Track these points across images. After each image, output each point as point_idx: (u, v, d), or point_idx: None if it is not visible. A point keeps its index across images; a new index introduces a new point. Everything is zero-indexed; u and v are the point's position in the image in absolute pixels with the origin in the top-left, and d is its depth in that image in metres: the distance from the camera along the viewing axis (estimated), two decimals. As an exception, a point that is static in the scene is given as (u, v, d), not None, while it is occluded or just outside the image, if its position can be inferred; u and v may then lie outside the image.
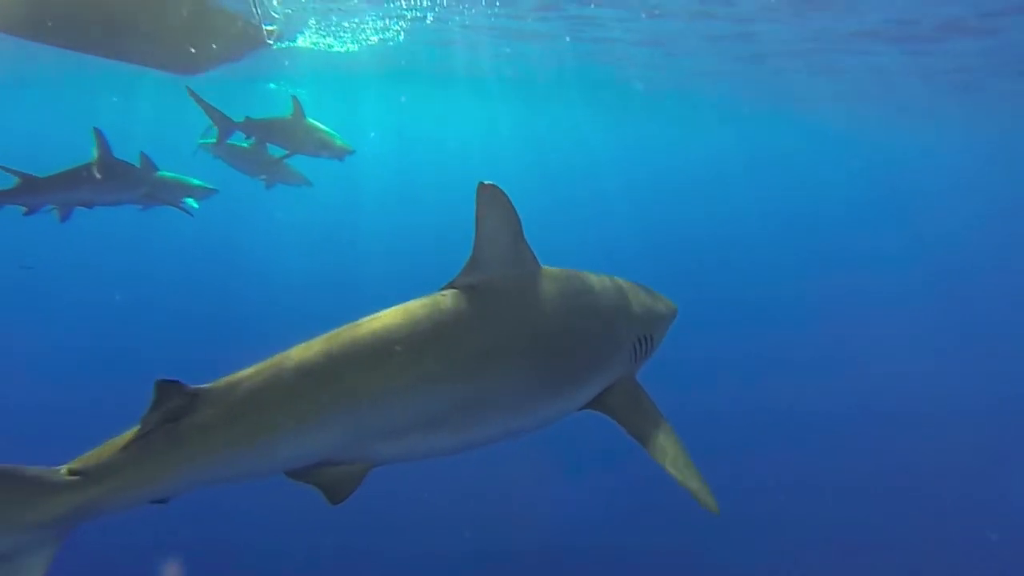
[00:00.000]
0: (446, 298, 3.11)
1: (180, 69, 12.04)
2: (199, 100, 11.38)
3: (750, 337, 17.76)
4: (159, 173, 10.50)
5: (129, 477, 2.37)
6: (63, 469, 2.34)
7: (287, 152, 12.04)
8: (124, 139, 12.77)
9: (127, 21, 9.39)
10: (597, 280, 3.73)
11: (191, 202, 10.89)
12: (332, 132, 12.13)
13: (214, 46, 11.52)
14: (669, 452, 3.18)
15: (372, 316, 2.96)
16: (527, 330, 3.20)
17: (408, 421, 2.80)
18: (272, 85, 32.17)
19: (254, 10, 12.67)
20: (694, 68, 21.82)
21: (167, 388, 2.41)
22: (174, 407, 2.42)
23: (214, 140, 12.11)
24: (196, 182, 11.05)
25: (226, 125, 11.59)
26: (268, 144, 12.31)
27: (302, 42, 20.70)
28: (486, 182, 3.11)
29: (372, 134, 42.80)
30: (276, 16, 15.15)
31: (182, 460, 2.43)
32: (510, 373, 3.09)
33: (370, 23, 17.88)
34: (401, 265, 20.98)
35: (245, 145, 12.57)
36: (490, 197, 3.14)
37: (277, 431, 2.55)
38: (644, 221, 37.90)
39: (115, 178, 9.54)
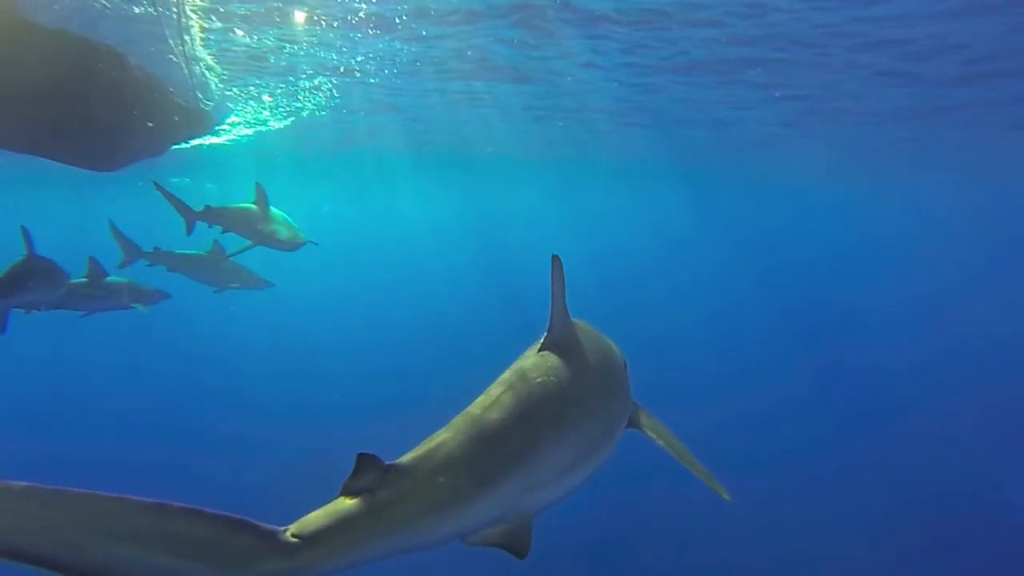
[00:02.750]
0: (550, 357, 3.60)
1: (99, 163, 9.56)
2: (164, 192, 11.61)
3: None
4: (108, 279, 10.63)
5: (335, 546, 2.52)
6: (288, 531, 2.48)
7: (247, 245, 11.60)
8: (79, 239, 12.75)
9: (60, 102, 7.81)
10: (593, 328, 4.37)
11: (140, 307, 11.09)
12: (291, 221, 11.76)
13: (155, 132, 10.11)
14: (684, 453, 4.04)
15: (502, 382, 3.37)
16: (598, 378, 3.82)
17: (554, 472, 3.22)
18: (175, 180, 30.94)
19: (194, 90, 12.27)
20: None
21: (366, 461, 2.66)
22: (371, 479, 2.66)
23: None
24: (146, 286, 11.31)
25: (190, 216, 11.64)
26: (229, 234, 11.95)
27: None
28: (556, 254, 3.60)
29: (326, 207, 42.43)
30: (209, 102, 15.19)
31: (382, 530, 2.63)
32: (598, 418, 3.67)
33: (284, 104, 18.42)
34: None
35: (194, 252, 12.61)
36: (559, 266, 3.61)
37: (465, 499, 2.82)
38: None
39: (48, 282, 9.19)
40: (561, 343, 3.70)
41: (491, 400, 3.19)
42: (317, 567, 2.46)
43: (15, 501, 1.95)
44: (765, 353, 25.10)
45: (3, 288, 8.58)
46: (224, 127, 20.41)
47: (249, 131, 21.67)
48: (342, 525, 2.54)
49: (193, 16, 10.50)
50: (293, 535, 2.45)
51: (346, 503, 2.62)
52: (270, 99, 17.24)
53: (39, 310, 9.68)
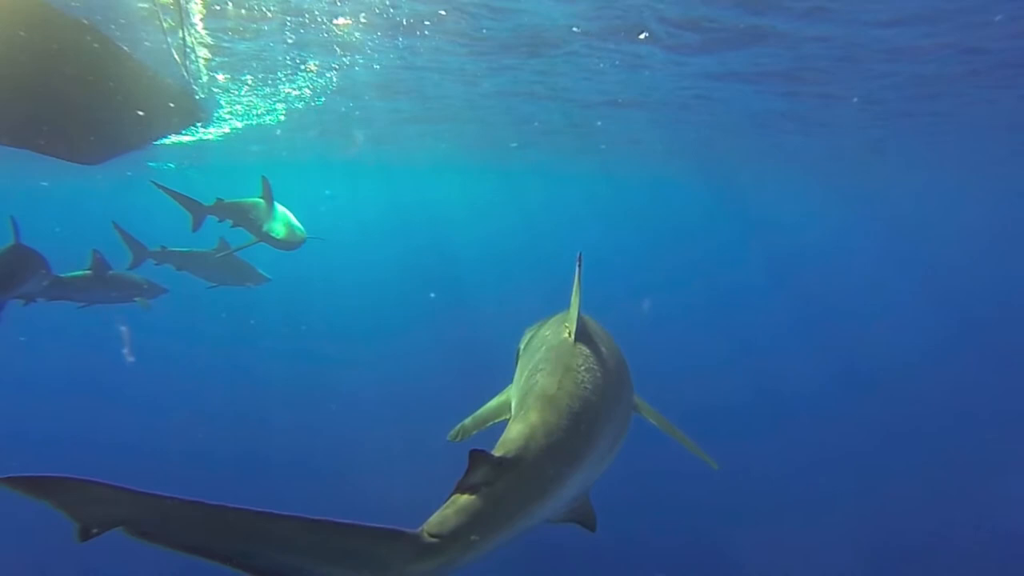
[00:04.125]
0: (582, 348, 3.80)
1: (88, 156, 9.19)
2: (166, 190, 11.42)
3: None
4: (111, 272, 10.58)
5: (470, 540, 2.71)
6: (425, 532, 2.66)
7: (250, 242, 11.29)
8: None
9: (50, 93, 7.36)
10: (593, 319, 4.56)
11: (140, 301, 11.11)
12: (293, 219, 11.29)
13: (145, 122, 9.80)
14: (674, 430, 4.36)
15: (551, 371, 3.57)
16: (620, 366, 4.05)
17: (604, 452, 3.47)
18: (152, 164, 30.46)
19: (187, 77, 11.83)
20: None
21: (478, 457, 2.83)
22: (485, 473, 2.84)
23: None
24: (144, 281, 11.34)
25: (198, 211, 11.42)
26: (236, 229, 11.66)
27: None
28: (579, 253, 3.84)
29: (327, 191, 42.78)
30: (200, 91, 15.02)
31: (506, 521, 2.82)
32: (624, 402, 3.90)
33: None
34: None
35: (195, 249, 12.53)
36: (580, 262, 3.84)
37: (566, 481, 3.08)
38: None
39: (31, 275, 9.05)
40: (584, 335, 3.91)
41: (556, 389, 3.38)
42: (458, 562, 2.67)
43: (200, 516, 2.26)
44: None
45: (6, 285, 8.39)
46: (215, 119, 20.27)
47: (239, 124, 21.51)
48: (473, 520, 2.72)
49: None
50: (431, 535, 2.64)
51: (468, 499, 2.79)
52: (259, 87, 17.03)
53: (35, 302, 9.65)
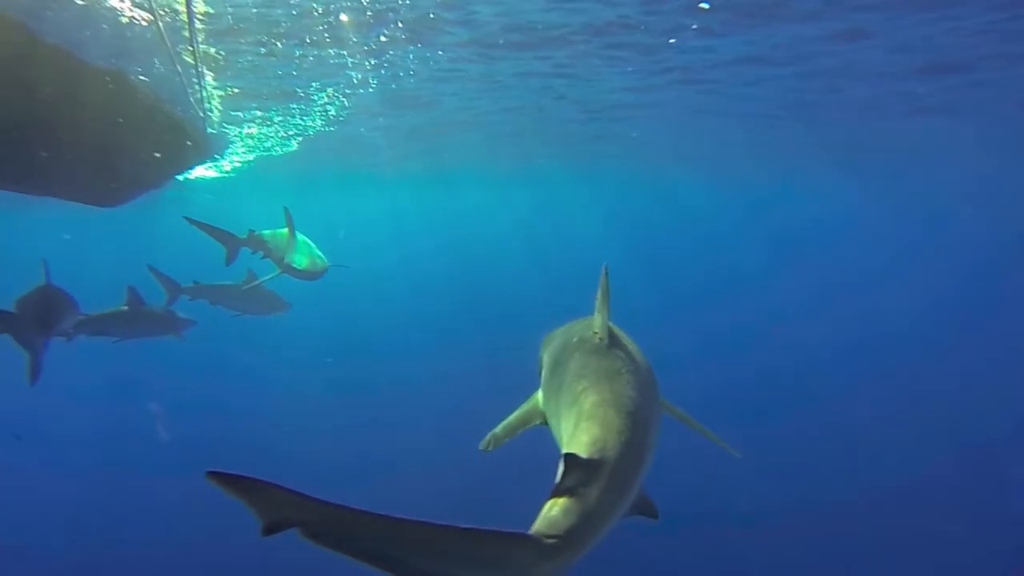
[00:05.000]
0: (618, 353, 3.94)
1: (103, 198, 9.16)
2: (199, 225, 11.65)
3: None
4: (145, 307, 11.04)
5: (581, 539, 2.91)
6: (542, 535, 2.83)
7: (275, 274, 11.42)
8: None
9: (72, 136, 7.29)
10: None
11: (173, 336, 11.60)
12: (315, 249, 11.39)
13: (162, 161, 10.06)
14: (694, 423, 4.46)
15: (598, 378, 3.73)
16: (649, 368, 4.14)
17: (654, 447, 3.63)
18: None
19: (201, 115, 12.02)
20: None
21: (573, 460, 3.06)
22: (580, 476, 3.04)
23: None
24: (179, 314, 11.68)
25: (232, 243, 11.68)
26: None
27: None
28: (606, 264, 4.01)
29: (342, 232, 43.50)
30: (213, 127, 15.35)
31: (603, 519, 3.03)
32: (656, 402, 3.97)
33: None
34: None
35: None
36: (606, 272, 4.03)
37: (639, 479, 3.35)
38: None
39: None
40: (613, 339, 4.04)
41: (609, 393, 3.58)
42: (573, 560, 2.88)
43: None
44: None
45: (45, 324, 8.49)
46: (227, 153, 20.62)
47: (251, 157, 21.87)
48: (580, 520, 2.91)
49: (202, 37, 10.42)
50: (547, 537, 2.81)
51: (569, 501, 2.97)
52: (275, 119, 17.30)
53: (75, 338, 10.07)
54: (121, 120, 7.98)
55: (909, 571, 12.23)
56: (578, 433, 3.40)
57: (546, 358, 4.73)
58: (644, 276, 38.95)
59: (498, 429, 4.58)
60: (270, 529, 2.44)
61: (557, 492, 3.02)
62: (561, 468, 3.10)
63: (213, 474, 2.34)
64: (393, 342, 28.00)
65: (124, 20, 8.48)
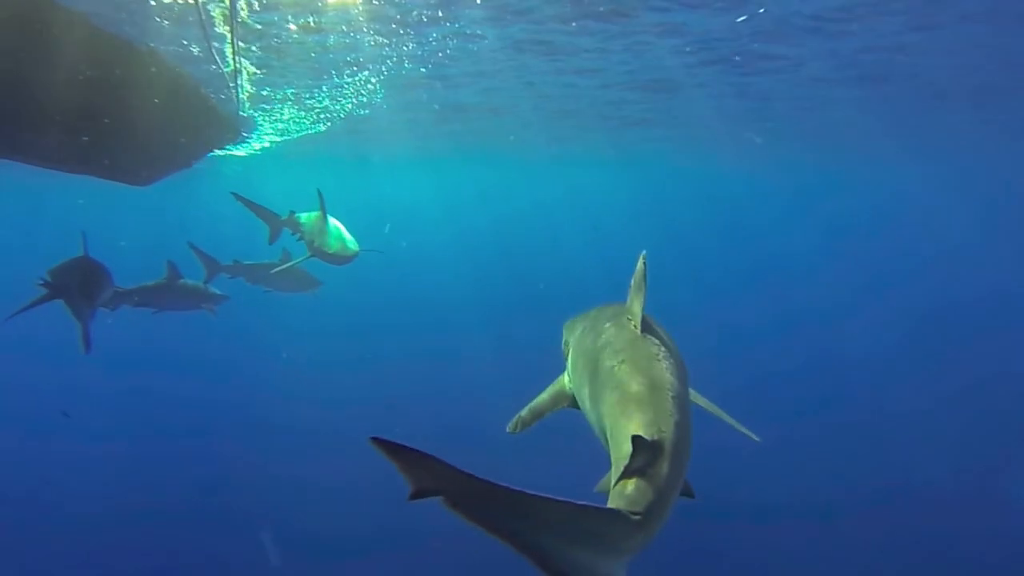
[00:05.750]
0: (652, 339, 4.08)
1: (139, 177, 9.30)
2: (246, 202, 11.92)
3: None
4: (182, 281, 11.67)
5: (659, 514, 3.12)
6: (627, 511, 3.02)
7: (304, 256, 11.48)
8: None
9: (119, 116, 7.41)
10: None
11: (208, 309, 12.18)
12: (344, 233, 11.20)
13: (194, 140, 10.33)
14: (715, 409, 4.56)
15: (635, 361, 3.87)
16: (677, 349, 4.27)
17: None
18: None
19: (236, 96, 12.30)
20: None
21: (640, 443, 3.19)
22: (647, 457, 3.22)
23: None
24: (213, 290, 12.25)
25: (275, 223, 11.90)
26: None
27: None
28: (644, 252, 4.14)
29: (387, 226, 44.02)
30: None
31: (671, 495, 3.24)
32: (687, 384, 4.07)
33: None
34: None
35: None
36: (644, 260, 4.15)
37: (688, 455, 3.50)
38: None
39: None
40: (647, 326, 4.18)
41: (656, 378, 3.72)
42: (655, 534, 3.10)
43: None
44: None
45: (88, 296, 8.98)
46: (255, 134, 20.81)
47: (277, 138, 22.02)
48: (658, 497, 3.11)
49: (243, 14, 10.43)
50: (633, 513, 3.00)
51: (642, 480, 3.16)
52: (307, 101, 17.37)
53: (119, 308, 10.87)
54: (156, 101, 8.07)
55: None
56: (626, 416, 3.54)
57: (573, 343, 4.79)
58: (695, 263, 38.98)
59: (524, 412, 4.67)
60: (416, 495, 2.66)
61: (628, 472, 3.18)
62: (644, 452, 3.23)
63: (376, 440, 2.56)
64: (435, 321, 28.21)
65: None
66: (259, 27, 10.98)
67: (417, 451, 2.60)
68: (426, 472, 2.63)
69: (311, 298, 14.65)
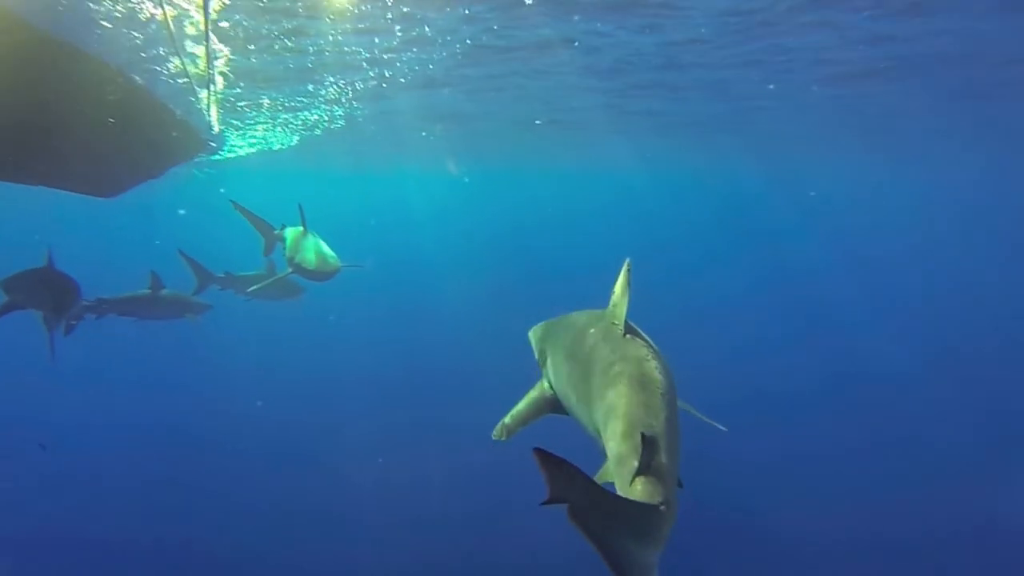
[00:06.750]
0: (636, 340, 4.24)
1: (101, 188, 9.20)
2: (244, 211, 11.75)
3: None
4: (165, 291, 11.73)
5: (675, 505, 3.30)
6: (654, 504, 3.22)
7: (287, 272, 11.29)
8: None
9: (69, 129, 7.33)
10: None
11: (190, 318, 12.23)
12: (325, 248, 10.98)
13: (158, 153, 10.35)
14: (683, 404, 4.52)
15: (625, 362, 4.03)
16: (658, 349, 4.42)
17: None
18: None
19: (206, 113, 12.34)
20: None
21: (648, 440, 3.36)
22: (652, 453, 3.39)
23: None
24: (196, 299, 12.25)
25: (271, 236, 11.76)
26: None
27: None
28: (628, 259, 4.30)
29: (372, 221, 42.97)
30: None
31: (674, 484, 3.43)
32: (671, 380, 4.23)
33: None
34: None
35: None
36: (629, 267, 4.32)
37: (680, 446, 3.73)
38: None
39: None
40: (629, 328, 4.31)
41: (649, 378, 3.90)
42: (672, 524, 3.25)
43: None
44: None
45: (60, 306, 8.90)
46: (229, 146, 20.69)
47: (253, 151, 21.93)
48: (669, 489, 3.33)
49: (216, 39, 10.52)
50: (660, 505, 3.22)
51: (653, 475, 3.34)
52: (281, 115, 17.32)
53: (104, 317, 11.17)
54: (119, 118, 8.04)
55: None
56: (622, 414, 3.71)
57: (552, 349, 4.87)
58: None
59: (507, 419, 4.76)
60: (550, 502, 2.91)
61: (642, 468, 3.34)
62: (640, 448, 3.38)
63: (538, 451, 2.84)
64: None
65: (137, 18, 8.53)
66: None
67: (567, 463, 2.86)
68: (567, 483, 2.88)
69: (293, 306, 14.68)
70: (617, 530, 3.00)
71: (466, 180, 42.99)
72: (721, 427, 4.77)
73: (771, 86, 17.39)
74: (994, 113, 21.18)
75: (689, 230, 57.90)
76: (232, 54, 11.73)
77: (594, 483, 2.96)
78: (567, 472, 2.87)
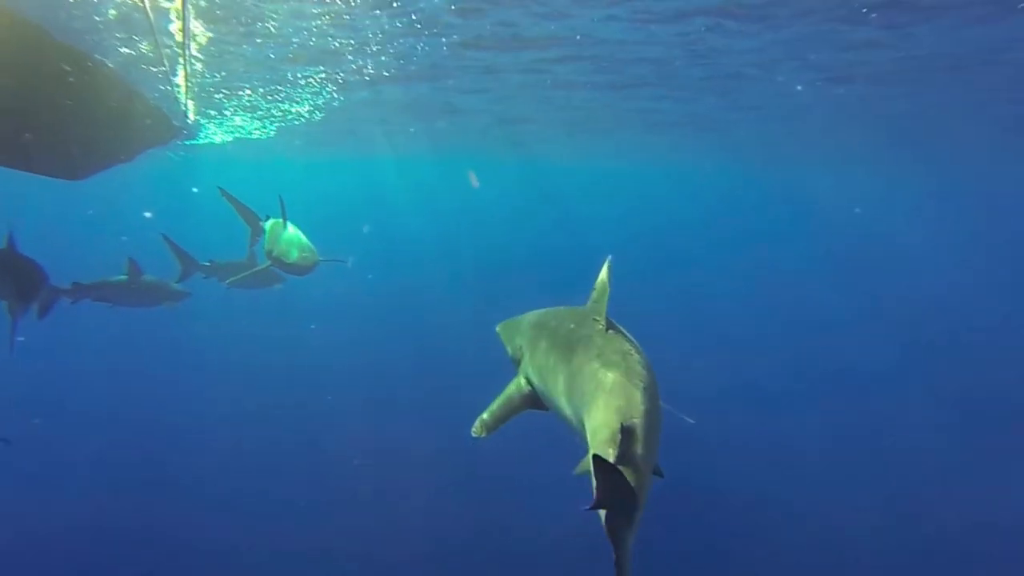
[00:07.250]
0: (619, 334, 4.33)
1: (67, 171, 8.96)
2: (233, 200, 11.49)
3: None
4: (143, 278, 11.60)
5: (643, 491, 3.45)
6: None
7: (266, 265, 11.11)
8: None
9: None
10: None
11: (167, 305, 12.11)
12: (305, 241, 10.65)
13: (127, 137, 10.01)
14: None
15: (612, 354, 4.11)
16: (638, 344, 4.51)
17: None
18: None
19: (181, 100, 12.18)
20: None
21: (627, 430, 3.57)
22: (630, 441, 3.55)
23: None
24: (175, 286, 12.05)
25: (256, 226, 11.55)
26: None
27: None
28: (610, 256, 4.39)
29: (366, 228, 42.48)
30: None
31: (648, 474, 3.58)
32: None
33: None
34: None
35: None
36: (610, 264, 4.43)
37: (659, 440, 3.84)
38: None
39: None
40: (613, 325, 4.38)
41: (631, 371, 3.97)
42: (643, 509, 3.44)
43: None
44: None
45: (24, 293, 8.45)
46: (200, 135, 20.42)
47: (229, 138, 21.66)
48: (646, 479, 3.53)
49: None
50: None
51: (629, 465, 3.46)
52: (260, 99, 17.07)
53: (80, 303, 11.07)
54: (87, 101, 7.88)
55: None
56: (604, 407, 3.81)
57: (530, 346, 4.87)
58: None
59: (485, 415, 4.74)
60: (595, 507, 3.20)
61: (618, 460, 3.44)
62: (619, 438, 3.54)
63: (597, 458, 3.10)
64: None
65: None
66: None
67: (613, 466, 3.12)
68: (614, 490, 3.12)
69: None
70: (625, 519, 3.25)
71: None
72: (689, 420, 4.89)
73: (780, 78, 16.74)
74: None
75: (675, 227, 58.11)
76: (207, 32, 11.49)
77: (635, 494, 3.21)
78: (618, 481, 3.05)
